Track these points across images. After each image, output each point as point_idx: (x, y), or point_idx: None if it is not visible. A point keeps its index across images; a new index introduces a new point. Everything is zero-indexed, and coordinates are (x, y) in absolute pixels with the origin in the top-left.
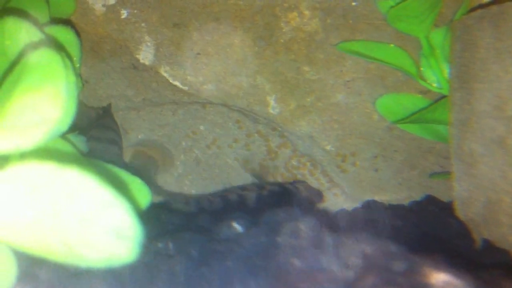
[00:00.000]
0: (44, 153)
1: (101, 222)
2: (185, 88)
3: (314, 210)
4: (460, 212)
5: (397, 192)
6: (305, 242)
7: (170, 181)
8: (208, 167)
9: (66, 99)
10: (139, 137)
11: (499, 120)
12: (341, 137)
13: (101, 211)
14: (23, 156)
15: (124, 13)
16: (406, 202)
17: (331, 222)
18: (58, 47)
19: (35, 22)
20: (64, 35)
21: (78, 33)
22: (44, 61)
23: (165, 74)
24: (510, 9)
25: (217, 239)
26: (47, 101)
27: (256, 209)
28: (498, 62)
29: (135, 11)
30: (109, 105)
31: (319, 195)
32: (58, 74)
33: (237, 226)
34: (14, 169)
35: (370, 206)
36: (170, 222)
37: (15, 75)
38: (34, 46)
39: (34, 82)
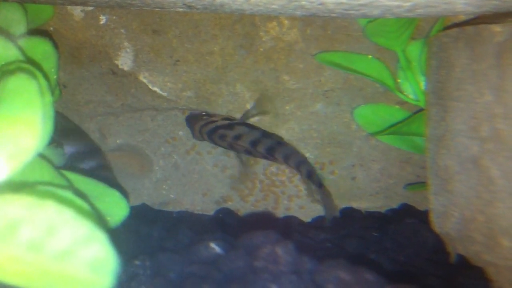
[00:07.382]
0: (19, 175)
1: (80, 256)
2: (165, 94)
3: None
4: (436, 225)
5: (374, 201)
6: (282, 267)
7: (148, 186)
8: (187, 172)
9: (42, 127)
10: (118, 142)
11: (473, 140)
12: (319, 145)
13: (80, 245)
14: None
15: (103, 19)
16: (382, 210)
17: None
18: (34, 64)
19: (12, 38)
20: (42, 46)
21: (55, 43)
22: (21, 89)
23: (144, 80)
24: (485, 31)
25: (196, 260)
26: (24, 131)
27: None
28: (474, 83)
29: (114, 17)
30: None
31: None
32: (34, 103)
33: (216, 247)
34: None
35: (347, 213)
36: (148, 235)
37: None
38: (11, 69)
39: (10, 111)
